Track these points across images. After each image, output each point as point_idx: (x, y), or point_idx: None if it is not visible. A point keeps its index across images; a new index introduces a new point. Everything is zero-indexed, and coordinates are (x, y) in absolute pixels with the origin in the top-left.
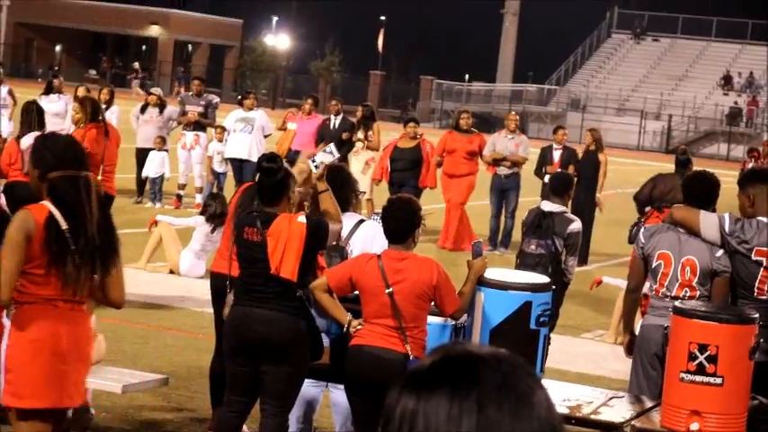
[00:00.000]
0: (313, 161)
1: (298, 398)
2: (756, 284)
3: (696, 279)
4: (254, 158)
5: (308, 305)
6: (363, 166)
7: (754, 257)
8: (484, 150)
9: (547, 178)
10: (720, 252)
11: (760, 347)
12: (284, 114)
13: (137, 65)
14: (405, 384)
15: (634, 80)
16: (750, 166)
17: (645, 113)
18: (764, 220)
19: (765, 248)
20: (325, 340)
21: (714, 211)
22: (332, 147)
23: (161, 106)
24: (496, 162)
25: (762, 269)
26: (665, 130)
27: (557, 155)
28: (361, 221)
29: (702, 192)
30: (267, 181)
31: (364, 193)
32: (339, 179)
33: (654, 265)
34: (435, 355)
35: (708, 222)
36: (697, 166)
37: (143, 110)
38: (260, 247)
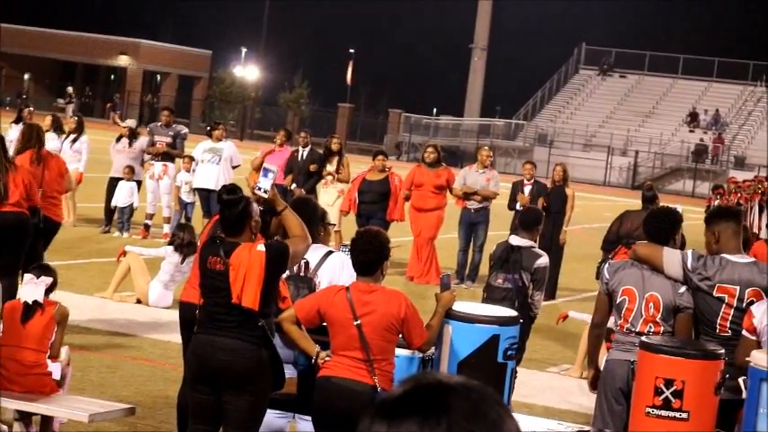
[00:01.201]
0: (258, 188)
1: (264, 428)
2: (718, 321)
3: (660, 315)
4: None
5: (270, 335)
6: (335, 198)
7: (715, 294)
8: (454, 184)
9: (518, 206)
10: (683, 288)
11: (725, 384)
12: (260, 149)
13: (117, 96)
14: (376, 412)
15: (601, 116)
16: (716, 203)
17: (611, 149)
18: (728, 257)
19: (727, 285)
20: (293, 371)
21: (683, 247)
22: (267, 165)
23: (132, 137)
24: (467, 196)
25: (724, 305)
26: (631, 166)
27: (527, 189)
28: (330, 253)
29: (661, 228)
30: (228, 213)
31: (334, 225)
32: (306, 211)
33: (618, 300)
34: (407, 383)
35: (671, 259)
36: (663, 202)
37: (118, 140)
38: (223, 276)
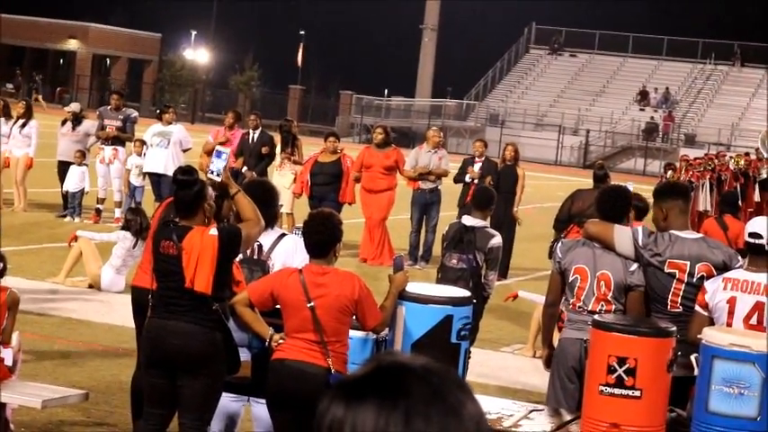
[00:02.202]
0: (211, 171)
1: (219, 412)
2: (670, 297)
3: (611, 293)
4: (171, 173)
5: (224, 318)
6: (291, 181)
7: (666, 270)
8: (405, 166)
9: (467, 178)
10: (635, 266)
11: (677, 361)
12: (210, 132)
13: (40, 77)
14: (336, 393)
15: (552, 95)
16: (668, 175)
17: (563, 128)
18: (677, 233)
19: (678, 261)
20: (247, 354)
21: (627, 222)
22: (220, 148)
23: (76, 121)
24: (420, 176)
25: (675, 281)
26: (582, 146)
27: (477, 167)
28: (282, 235)
29: (613, 206)
30: (182, 194)
31: (281, 205)
32: (264, 195)
33: (570, 279)
34: (367, 365)
35: (621, 236)
36: (614, 180)
37: (63, 123)
38: (175, 260)
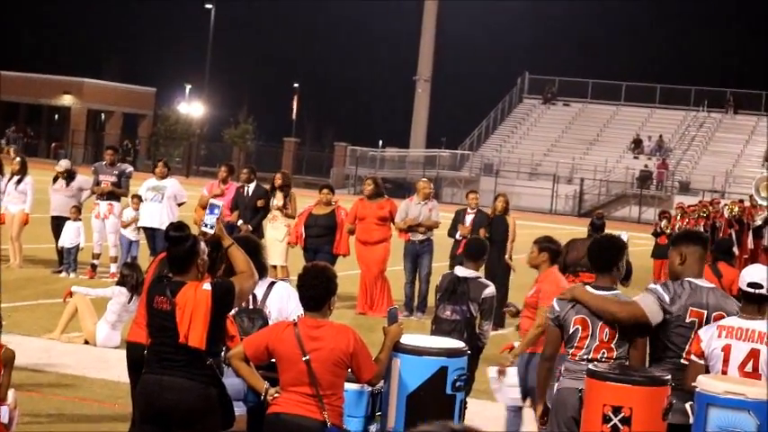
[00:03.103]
0: (204, 225)
1: None
2: (687, 347)
3: (615, 341)
4: (166, 227)
5: (218, 373)
6: (284, 234)
7: (688, 318)
8: (396, 218)
9: (458, 235)
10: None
11: (673, 408)
12: (205, 186)
13: (9, 130)
14: None
15: (546, 144)
16: (663, 224)
17: (557, 177)
18: (695, 281)
19: (698, 309)
20: (242, 408)
21: (629, 274)
22: (213, 201)
23: (69, 177)
24: (410, 228)
25: (693, 331)
26: (577, 194)
27: (469, 218)
28: (273, 283)
29: (599, 256)
30: (175, 250)
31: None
32: (248, 249)
33: (571, 330)
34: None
35: (650, 307)
36: (609, 228)
37: (54, 180)
38: (169, 315)
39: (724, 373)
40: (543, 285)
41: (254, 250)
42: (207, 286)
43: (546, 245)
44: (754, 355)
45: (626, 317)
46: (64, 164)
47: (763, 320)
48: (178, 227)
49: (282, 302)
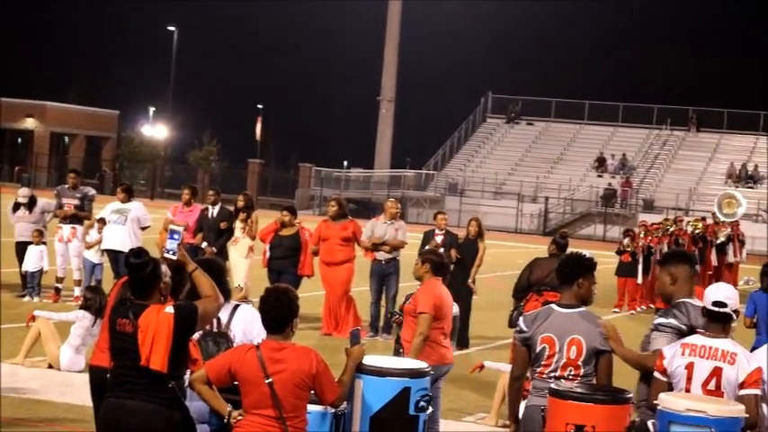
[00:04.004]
0: (167, 251)
1: None
2: None
3: (582, 358)
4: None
5: (181, 396)
6: (246, 251)
7: None
8: (361, 236)
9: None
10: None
11: (636, 426)
12: (169, 209)
13: None
14: None
15: (510, 163)
16: (625, 242)
17: (521, 196)
18: (690, 301)
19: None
20: (207, 431)
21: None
22: (173, 227)
23: (30, 205)
24: (375, 247)
25: None
26: (542, 213)
27: (438, 239)
28: (237, 306)
29: (561, 270)
30: (135, 276)
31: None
32: (214, 271)
33: (538, 350)
34: None
35: (668, 348)
36: (574, 247)
37: (16, 208)
38: (131, 337)
39: (687, 390)
40: (418, 293)
41: (218, 273)
42: (169, 309)
43: (428, 256)
44: (716, 373)
45: (652, 365)
46: (24, 192)
47: (727, 339)
48: (137, 253)
49: (247, 325)
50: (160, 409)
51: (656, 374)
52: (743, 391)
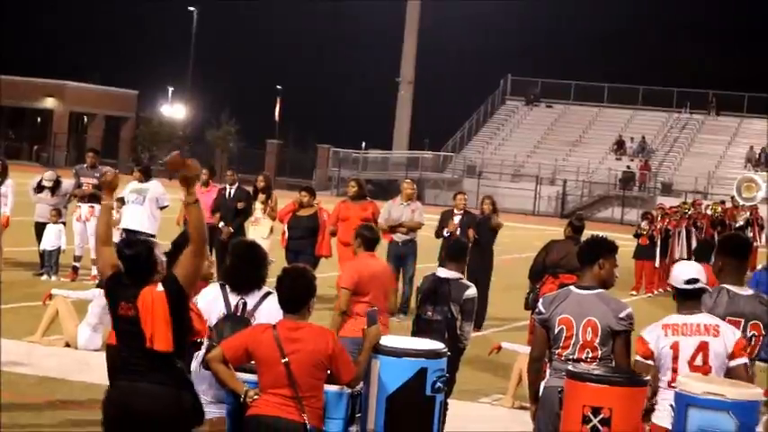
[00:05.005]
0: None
1: None
2: None
3: (598, 339)
4: (147, 230)
5: (187, 374)
6: (267, 231)
7: None
8: (378, 218)
9: (446, 232)
10: (625, 313)
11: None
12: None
13: None
14: None
15: (529, 146)
16: (643, 225)
17: (540, 179)
18: (733, 289)
19: (734, 318)
20: (222, 410)
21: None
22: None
23: (54, 188)
24: (392, 229)
25: None
26: (559, 195)
27: (457, 219)
28: (268, 294)
29: (581, 252)
30: (131, 265)
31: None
32: (256, 258)
33: (556, 331)
34: None
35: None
36: (592, 229)
37: (40, 190)
38: (134, 320)
39: (674, 370)
40: (342, 268)
41: (260, 263)
42: (160, 287)
43: (360, 231)
44: (702, 347)
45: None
46: (50, 175)
47: (704, 313)
48: (129, 243)
49: (271, 315)
50: (169, 390)
51: (639, 358)
52: (734, 362)
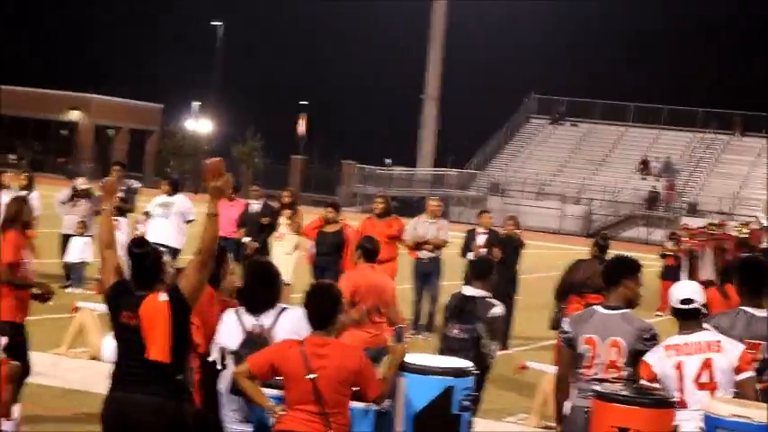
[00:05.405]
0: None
1: None
2: None
3: (623, 359)
4: (173, 244)
5: (188, 387)
6: (292, 247)
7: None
8: (404, 235)
9: (470, 256)
10: (650, 332)
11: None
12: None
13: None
14: None
15: (553, 165)
16: (669, 245)
17: (564, 197)
18: (751, 311)
19: (753, 341)
20: (249, 427)
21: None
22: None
23: (85, 195)
24: (418, 246)
25: None
26: (585, 214)
27: (481, 239)
28: (282, 310)
29: (607, 272)
30: (138, 266)
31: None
32: (269, 277)
33: (581, 350)
34: None
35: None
36: (617, 249)
37: (70, 199)
38: (136, 329)
39: (679, 389)
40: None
41: (273, 281)
42: (163, 297)
43: (360, 243)
44: (707, 364)
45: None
46: (83, 181)
47: (704, 331)
48: (139, 243)
49: (293, 328)
50: (166, 401)
51: (643, 382)
52: (741, 376)
